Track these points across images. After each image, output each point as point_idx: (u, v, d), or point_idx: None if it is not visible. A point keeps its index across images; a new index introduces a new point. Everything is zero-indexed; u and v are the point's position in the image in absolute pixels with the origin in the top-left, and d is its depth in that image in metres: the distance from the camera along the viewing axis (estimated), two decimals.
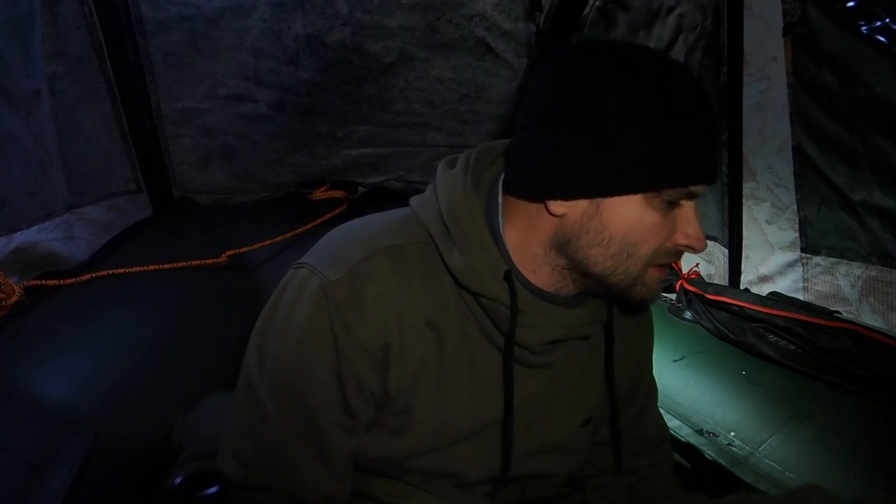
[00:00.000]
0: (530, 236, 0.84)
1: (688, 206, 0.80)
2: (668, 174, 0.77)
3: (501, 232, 0.85)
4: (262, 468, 0.81)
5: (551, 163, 0.79)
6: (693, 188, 0.78)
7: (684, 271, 1.66)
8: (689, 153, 0.77)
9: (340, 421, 0.81)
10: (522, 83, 2.04)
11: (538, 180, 0.81)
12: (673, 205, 0.79)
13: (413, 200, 0.89)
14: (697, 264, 1.66)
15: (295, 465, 0.80)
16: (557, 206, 0.80)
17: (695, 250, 0.82)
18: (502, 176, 0.87)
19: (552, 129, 0.79)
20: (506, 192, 0.86)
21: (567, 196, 0.80)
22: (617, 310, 0.94)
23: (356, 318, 0.79)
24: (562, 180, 0.79)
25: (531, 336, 0.85)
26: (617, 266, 0.81)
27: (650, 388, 1.07)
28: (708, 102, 0.79)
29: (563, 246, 0.82)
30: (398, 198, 2.08)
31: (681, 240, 0.80)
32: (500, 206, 0.86)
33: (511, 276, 0.82)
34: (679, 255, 0.83)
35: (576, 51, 0.82)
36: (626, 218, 0.78)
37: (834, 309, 1.32)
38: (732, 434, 1.21)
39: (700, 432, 1.24)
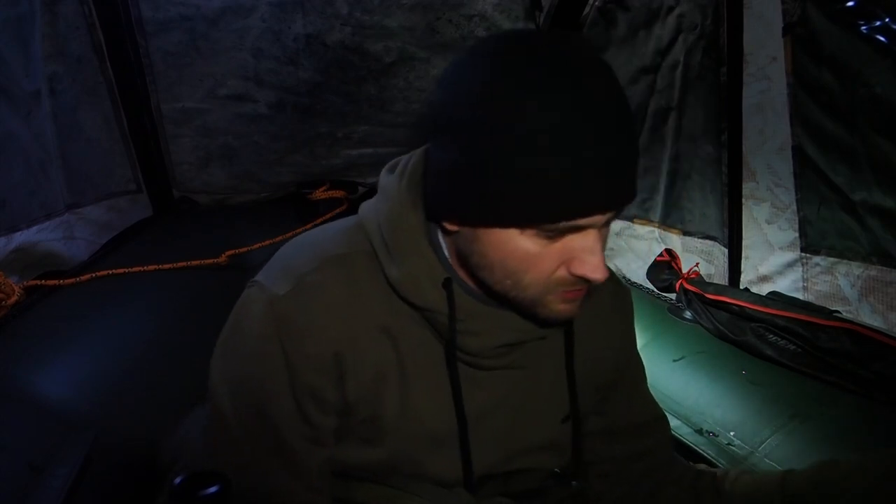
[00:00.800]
0: (451, 244, 0.81)
1: (584, 236, 0.72)
2: (534, 212, 0.69)
3: (440, 239, 0.82)
4: (234, 487, 0.81)
5: (433, 176, 0.77)
6: (576, 222, 0.70)
7: (684, 271, 1.66)
8: (560, 191, 0.68)
9: (303, 433, 0.81)
10: None
11: (429, 192, 0.79)
12: (558, 235, 0.72)
13: (362, 207, 0.87)
14: (697, 264, 1.66)
15: (265, 481, 0.81)
16: (447, 225, 0.77)
17: (590, 281, 0.73)
18: None
19: (435, 143, 0.75)
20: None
21: (445, 217, 0.77)
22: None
23: (304, 330, 0.79)
24: (440, 199, 0.77)
25: (475, 343, 0.82)
26: (507, 290, 0.77)
27: (636, 372, 1.04)
28: (606, 132, 0.68)
29: (462, 260, 0.80)
30: None
31: (575, 269, 0.73)
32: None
33: (450, 283, 0.80)
34: (583, 282, 0.75)
35: (479, 53, 0.72)
36: (503, 247, 0.73)
37: (834, 309, 1.32)
38: (732, 434, 1.21)
39: (700, 432, 1.24)
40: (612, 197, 0.70)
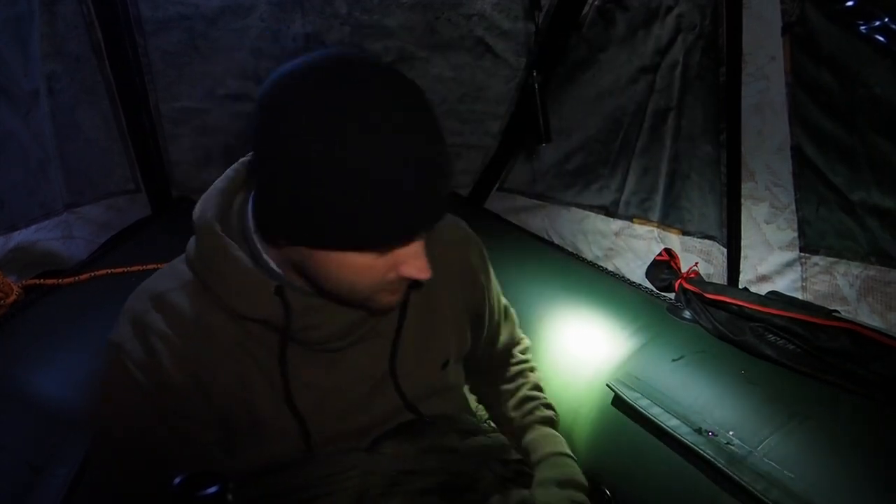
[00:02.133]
0: (276, 245, 0.87)
1: (409, 246, 0.81)
2: (362, 239, 0.77)
3: (261, 253, 0.88)
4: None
5: (258, 200, 0.84)
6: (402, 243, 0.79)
7: (683, 270, 1.66)
8: (384, 220, 0.75)
9: (184, 453, 0.87)
10: (521, 82, 2.04)
11: (259, 215, 0.86)
12: (386, 250, 0.80)
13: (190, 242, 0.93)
14: (696, 263, 1.66)
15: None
16: (280, 240, 0.84)
17: (421, 279, 0.83)
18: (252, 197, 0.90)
19: (258, 165, 0.82)
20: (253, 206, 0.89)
21: (273, 237, 0.84)
22: None
23: (152, 364, 0.85)
24: (268, 221, 0.84)
25: (317, 334, 0.90)
26: (341, 294, 0.85)
27: (498, 316, 1.23)
28: (424, 169, 0.75)
29: (299, 270, 0.86)
30: None
31: (403, 272, 0.82)
32: (252, 225, 0.89)
33: (282, 290, 0.86)
34: (408, 281, 0.85)
35: (308, 78, 0.75)
36: (337, 263, 0.80)
37: (833, 308, 1.32)
38: (731, 433, 1.21)
39: (699, 431, 1.24)
40: (432, 217, 0.80)
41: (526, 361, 1.34)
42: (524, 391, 1.28)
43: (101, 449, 0.91)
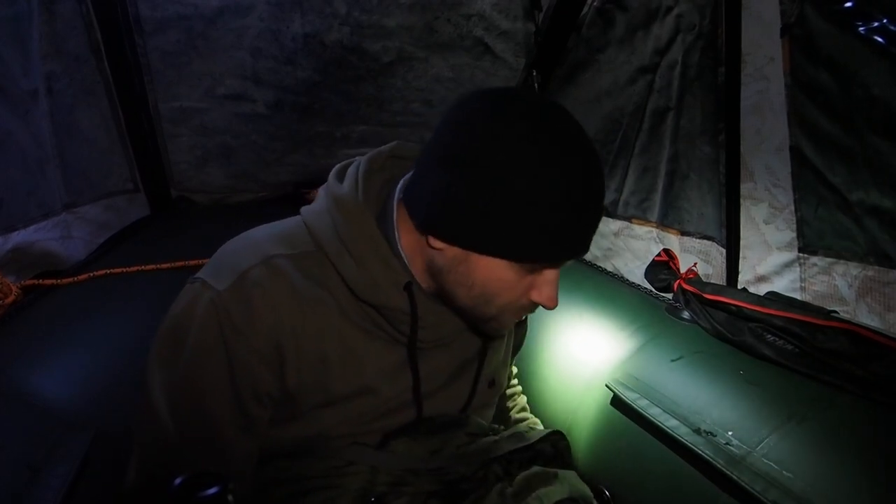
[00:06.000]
0: (418, 252, 0.92)
1: (549, 273, 0.88)
2: (534, 251, 0.83)
3: (398, 242, 0.92)
4: (159, 473, 0.86)
5: (437, 202, 0.84)
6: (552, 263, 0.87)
7: (682, 271, 1.66)
8: (559, 238, 0.83)
9: (238, 423, 0.88)
10: (520, 82, 2.04)
11: (424, 213, 0.87)
12: (536, 270, 0.87)
13: (304, 210, 0.96)
14: (695, 264, 1.66)
15: (190, 467, 0.84)
16: (435, 241, 0.87)
17: (546, 308, 0.90)
18: (399, 184, 0.94)
19: (448, 171, 0.83)
20: (402, 199, 0.93)
21: (442, 238, 0.86)
22: None
23: (245, 323, 0.84)
24: (442, 222, 0.85)
25: (428, 335, 0.96)
26: (475, 306, 0.90)
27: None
28: (593, 193, 0.84)
29: (435, 274, 0.90)
30: None
31: (535, 297, 0.88)
32: (394, 215, 0.92)
33: (412, 287, 0.91)
34: (533, 308, 0.92)
35: (501, 106, 0.83)
36: (490, 272, 0.85)
37: (831, 309, 1.32)
38: (730, 433, 1.22)
39: (698, 432, 1.24)
40: (586, 247, 0.87)
41: (515, 385, 1.46)
42: (513, 413, 1.40)
43: (149, 393, 0.88)
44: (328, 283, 0.90)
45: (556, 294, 0.88)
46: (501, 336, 1.02)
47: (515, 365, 1.50)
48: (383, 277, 0.89)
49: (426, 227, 0.88)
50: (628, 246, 1.91)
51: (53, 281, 1.43)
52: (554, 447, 1.18)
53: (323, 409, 0.93)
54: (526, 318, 1.26)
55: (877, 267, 1.28)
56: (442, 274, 0.89)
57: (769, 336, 1.36)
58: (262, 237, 0.94)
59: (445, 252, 0.86)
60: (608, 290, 1.80)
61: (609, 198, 1.95)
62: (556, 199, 0.80)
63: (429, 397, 1.01)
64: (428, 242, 0.88)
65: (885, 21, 1.15)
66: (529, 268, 0.86)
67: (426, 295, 0.94)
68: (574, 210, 0.82)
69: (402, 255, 0.92)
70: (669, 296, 1.71)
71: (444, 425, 1.05)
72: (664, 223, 1.79)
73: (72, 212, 1.60)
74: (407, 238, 0.92)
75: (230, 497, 0.57)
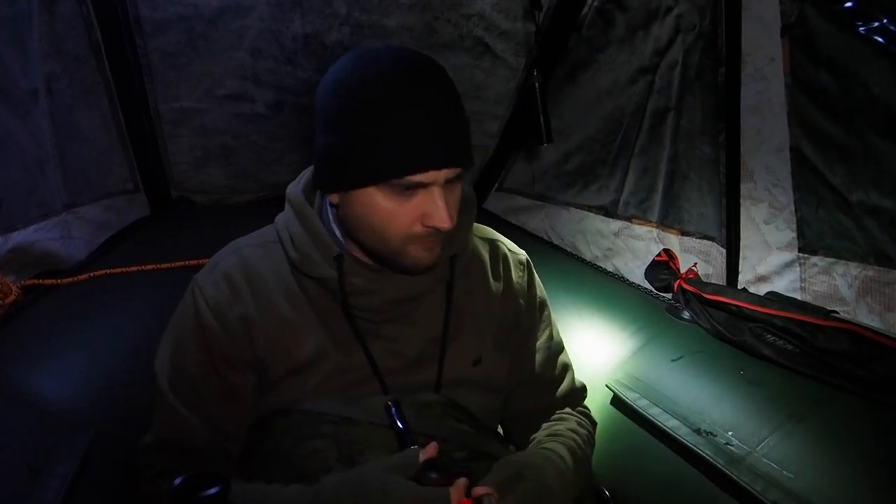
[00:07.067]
0: (338, 222, 1.05)
1: (429, 193, 0.92)
2: (385, 169, 0.90)
3: (333, 226, 1.05)
4: (163, 435, 1.03)
5: (316, 161, 0.99)
6: (414, 178, 0.90)
7: (682, 271, 1.66)
8: (400, 150, 0.89)
9: (217, 387, 1.03)
10: (521, 83, 2.04)
11: (316, 175, 1.02)
12: (406, 192, 0.92)
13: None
14: (695, 264, 1.66)
15: (182, 425, 1.02)
16: (331, 198, 1.00)
17: (440, 229, 0.93)
18: None
19: (316, 134, 0.98)
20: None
21: (328, 189, 1.00)
22: (467, 268, 1.14)
23: (213, 298, 1.03)
24: (323, 177, 0.99)
25: (364, 301, 1.04)
26: (379, 244, 0.97)
27: (533, 324, 1.23)
28: (424, 103, 0.90)
29: (348, 230, 1.02)
30: None
31: (426, 221, 0.93)
32: (327, 204, 1.05)
33: (341, 258, 1.01)
34: (436, 233, 0.95)
35: (350, 57, 0.96)
36: (366, 206, 0.94)
37: (831, 309, 1.32)
38: (730, 433, 1.22)
39: (698, 432, 1.25)
40: (439, 157, 0.91)
41: (586, 424, 1.23)
42: (539, 433, 1.18)
43: (157, 370, 1.05)
44: (282, 264, 1.06)
45: (447, 213, 0.92)
46: (420, 272, 1.01)
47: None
48: (315, 253, 1.01)
49: (319, 186, 1.03)
50: (628, 246, 1.91)
51: (53, 281, 1.43)
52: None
53: (291, 378, 1.03)
54: (541, 304, 1.25)
55: (877, 267, 1.28)
56: (348, 225, 1.01)
57: (769, 336, 1.36)
58: (244, 238, 1.13)
59: (340, 204, 0.99)
60: (608, 290, 1.81)
61: (609, 198, 1.95)
62: (378, 111, 0.89)
63: (391, 373, 1.06)
64: (329, 203, 1.02)
65: (885, 21, 1.15)
66: (400, 191, 0.91)
67: (358, 265, 1.03)
68: (402, 118, 0.89)
69: (336, 233, 1.05)
70: (669, 296, 1.71)
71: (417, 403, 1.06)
72: (664, 223, 1.79)
73: (72, 212, 1.60)
74: (335, 216, 1.05)
75: (230, 497, 0.57)
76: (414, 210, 0.93)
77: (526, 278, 1.22)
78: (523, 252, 1.26)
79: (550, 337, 1.25)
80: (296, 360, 1.02)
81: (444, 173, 0.91)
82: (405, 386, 1.06)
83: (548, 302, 1.27)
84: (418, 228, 0.93)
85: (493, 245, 1.21)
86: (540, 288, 1.25)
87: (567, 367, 1.26)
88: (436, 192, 0.92)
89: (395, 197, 0.92)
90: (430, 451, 0.94)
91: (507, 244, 1.25)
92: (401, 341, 1.07)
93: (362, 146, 0.90)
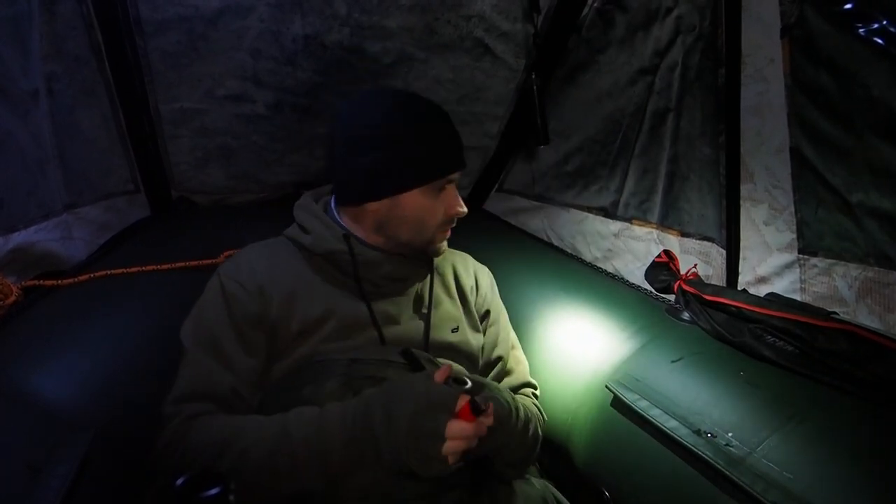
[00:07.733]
0: (359, 222, 1.33)
1: (449, 189, 1.30)
2: (425, 173, 1.26)
3: (338, 218, 1.35)
4: (188, 388, 1.18)
5: (362, 179, 1.27)
6: (448, 178, 1.29)
7: (682, 272, 1.66)
8: (431, 160, 1.26)
9: (237, 341, 1.22)
10: (520, 84, 2.04)
11: (358, 190, 1.29)
12: (439, 191, 1.28)
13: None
14: (695, 265, 1.66)
15: (208, 375, 1.18)
16: (372, 205, 1.29)
17: (459, 215, 1.32)
18: (333, 196, 1.41)
19: (352, 158, 1.27)
20: (338, 203, 1.37)
21: (375, 198, 1.28)
22: (444, 265, 1.47)
23: (235, 273, 1.28)
24: (370, 189, 1.28)
25: (368, 272, 1.31)
26: (416, 235, 1.30)
27: (499, 315, 1.54)
28: (439, 125, 1.30)
29: (382, 227, 1.31)
30: None
31: (450, 211, 1.30)
32: (333, 207, 1.37)
33: (349, 237, 1.30)
34: (452, 221, 1.33)
35: (364, 99, 1.31)
36: (411, 205, 1.27)
37: (831, 310, 1.32)
38: (730, 434, 1.22)
39: (698, 433, 1.25)
40: (460, 161, 1.31)
41: (536, 399, 1.52)
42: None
43: (183, 336, 1.25)
44: (294, 253, 1.34)
45: (461, 201, 1.31)
46: (439, 255, 1.38)
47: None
48: (327, 233, 1.31)
49: (363, 198, 1.29)
50: (628, 247, 1.91)
51: (54, 281, 1.43)
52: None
53: (300, 340, 1.24)
54: (501, 307, 1.57)
55: (877, 268, 1.28)
56: (386, 224, 1.30)
57: (769, 337, 1.36)
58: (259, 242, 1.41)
59: (381, 208, 1.28)
60: (608, 291, 1.81)
61: (609, 199, 1.95)
62: (416, 136, 1.25)
63: (387, 325, 1.30)
64: (368, 209, 1.29)
65: (884, 22, 1.16)
66: (433, 189, 1.27)
67: (363, 243, 1.31)
68: (431, 139, 1.27)
69: (342, 224, 1.34)
70: (669, 297, 1.71)
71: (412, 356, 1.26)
72: (664, 224, 1.79)
73: (72, 212, 1.60)
74: (346, 215, 1.35)
75: (231, 497, 0.57)
76: (441, 204, 1.29)
77: (491, 284, 1.56)
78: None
79: (508, 335, 1.54)
80: (306, 320, 1.24)
81: (458, 173, 1.31)
82: (397, 336, 1.29)
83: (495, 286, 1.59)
84: (444, 218, 1.30)
85: (464, 256, 1.56)
86: (492, 282, 1.58)
87: (521, 362, 1.54)
88: (454, 188, 1.31)
89: (432, 194, 1.28)
90: (444, 372, 1.10)
91: (471, 259, 1.58)
92: (394, 308, 1.33)
93: (410, 159, 1.24)
